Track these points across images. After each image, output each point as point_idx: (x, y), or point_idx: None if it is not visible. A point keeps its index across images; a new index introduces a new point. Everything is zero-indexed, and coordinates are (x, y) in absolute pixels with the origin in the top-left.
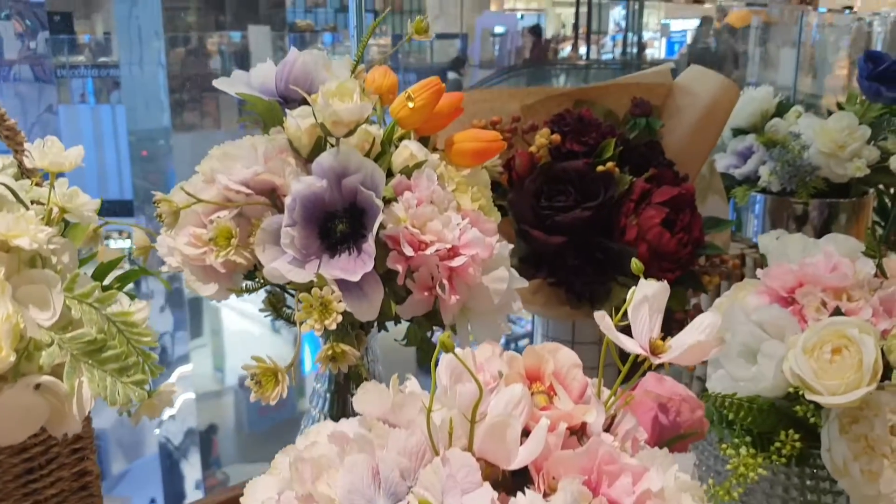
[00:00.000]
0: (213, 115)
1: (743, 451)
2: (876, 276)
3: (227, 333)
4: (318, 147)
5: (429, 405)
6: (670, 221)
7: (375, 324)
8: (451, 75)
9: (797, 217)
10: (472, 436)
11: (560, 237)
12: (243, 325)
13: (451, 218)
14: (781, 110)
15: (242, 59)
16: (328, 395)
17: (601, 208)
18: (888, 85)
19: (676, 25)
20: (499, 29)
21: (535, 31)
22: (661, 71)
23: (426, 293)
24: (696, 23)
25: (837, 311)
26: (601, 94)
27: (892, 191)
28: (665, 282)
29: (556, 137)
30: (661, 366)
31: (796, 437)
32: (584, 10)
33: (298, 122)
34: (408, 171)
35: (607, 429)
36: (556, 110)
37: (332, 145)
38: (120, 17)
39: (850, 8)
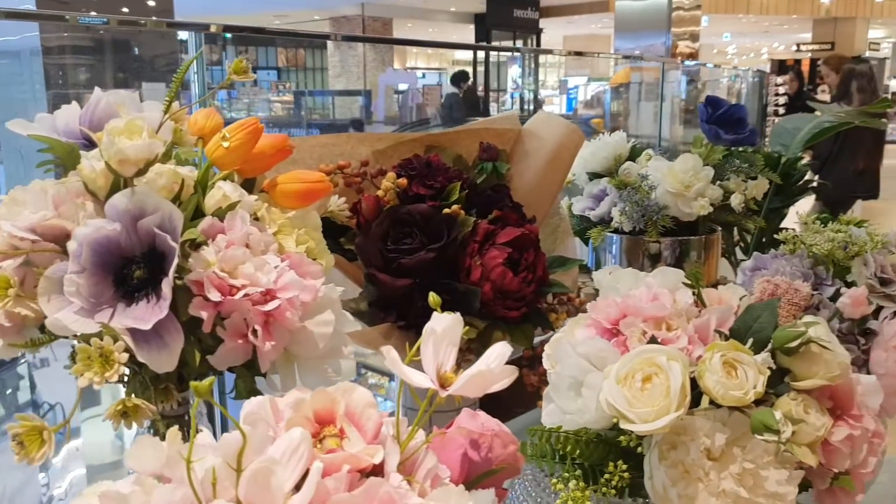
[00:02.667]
0: None
1: (572, 484)
2: (696, 305)
3: None
4: (116, 189)
5: (187, 456)
6: (514, 261)
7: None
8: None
9: (651, 255)
10: (238, 485)
11: (406, 279)
12: None
13: (266, 261)
14: (634, 154)
15: None
16: None
17: (446, 250)
18: (726, 128)
19: (574, 82)
20: (402, 86)
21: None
22: (510, 117)
23: (240, 340)
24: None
25: (654, 341)
26: (451, 140)
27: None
28: (458, 315)
29: (403, 181)
30: None
31: (624, 467)
32: (482, 68)
33: (93, 163)
34: (220, 213)
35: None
36: (407, 155)
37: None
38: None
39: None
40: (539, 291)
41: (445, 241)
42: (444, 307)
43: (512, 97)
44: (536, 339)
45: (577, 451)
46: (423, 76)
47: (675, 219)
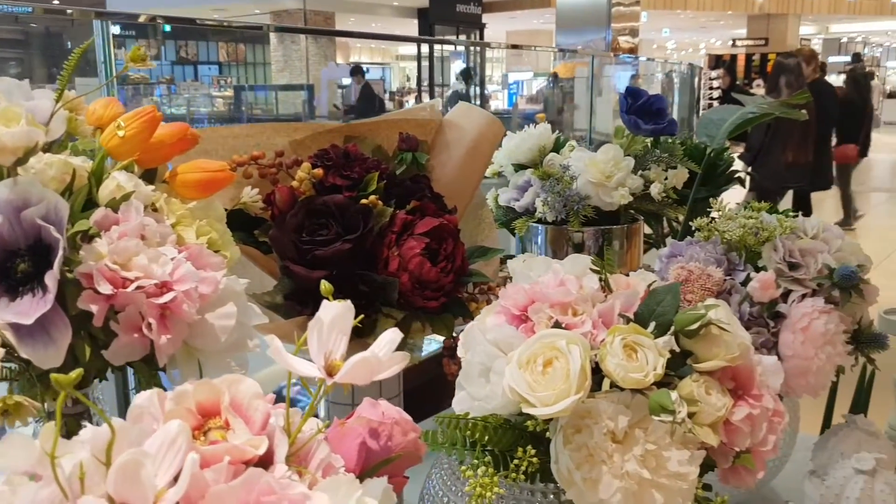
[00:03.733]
0: None
1: (481, 471)
2: (603, 291)
3: None
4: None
5: (51, 451)
6: (433, 251)
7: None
8: None
9: (575, 245)
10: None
11: (322, 271)
12: None
13: (161, 252)
14: (559, 146)
15: None
16: None
17: (362, 240)
18: (645, 119)
19: (515, 77)
20: (345, 80)
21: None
22: (431, 107)
23: (135, 334)
24: (525, 75)
25: (559, 326)
26: (371, 131)
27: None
28: (349, 303)
29: (319, 172)
30: None
31: (533, 452)
32: (426, 63)
33: None
34: (115, 205)
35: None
36: (326, 146)
37: None
38: None
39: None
40: (458, 281)
41: (361, 231)
42: (362, 298)
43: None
44: (458, 329)
45: (486, 438)
46: (367, 70)
47: (597, 209)
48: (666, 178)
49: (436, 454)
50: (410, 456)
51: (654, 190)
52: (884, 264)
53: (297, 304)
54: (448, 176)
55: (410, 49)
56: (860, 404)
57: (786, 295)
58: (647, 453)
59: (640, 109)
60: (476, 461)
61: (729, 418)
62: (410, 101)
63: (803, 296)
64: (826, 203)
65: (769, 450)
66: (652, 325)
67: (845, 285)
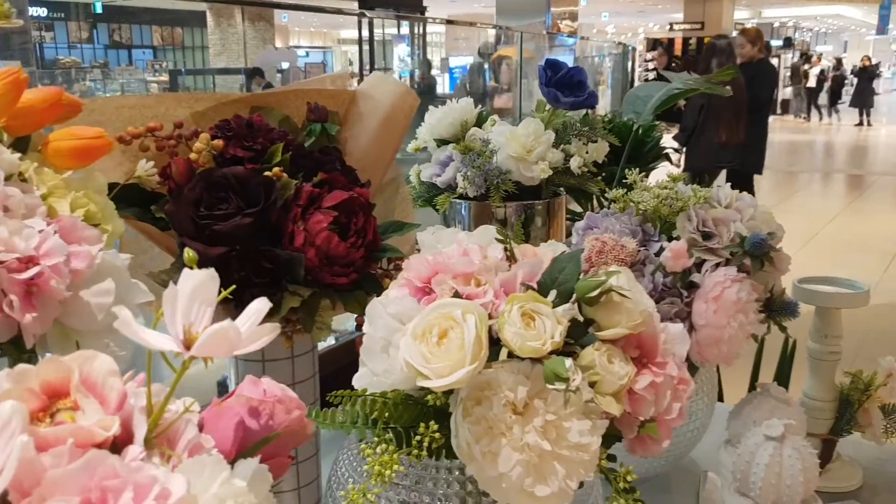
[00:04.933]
0: None
1: (381, 448)
2: (508, 261)
3: None
4: None
5: None
6: (343, 225)
7: None
8: None
9: (499, 220)
10: None
11: (221, 247)
12: None
13: (26, 225)
14: (481, 121)
15: None
16: None
17: (264, 214)
18: (564, 91)
19: (456, 62)
20: (284, 65)
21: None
22: (341, 77)
23: None
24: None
25: (458, 296)
26: (279, 101)
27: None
28: (212, 271)
29: (219, 143)
30: None
31: (436, 427)
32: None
33: None
34: None
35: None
36: (230, 117)
37: None
38: None
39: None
40: (370, 256)
41: (263, 205)
42: (267, 275)
43: (401, 76)
44: None
45: (387, 414)
46: (308, 55)
47: (518, 183)
48: (587, 152)
49: (346, 437)
50: (295, 435)
51: (574, 164)
52: (811, 242)
53: None
54: (361, 149)
55: (352, 33)
56: (783, 375)
57: (700, 265)
58: (547, 424)
59: (560, 82)
60: (377, 438)
61: (632, 387)
62: (354, 84)
63: (717, 265)
64: (762, 183)
65: (674, 418)
66: (553, 293)
67: (756, 253)
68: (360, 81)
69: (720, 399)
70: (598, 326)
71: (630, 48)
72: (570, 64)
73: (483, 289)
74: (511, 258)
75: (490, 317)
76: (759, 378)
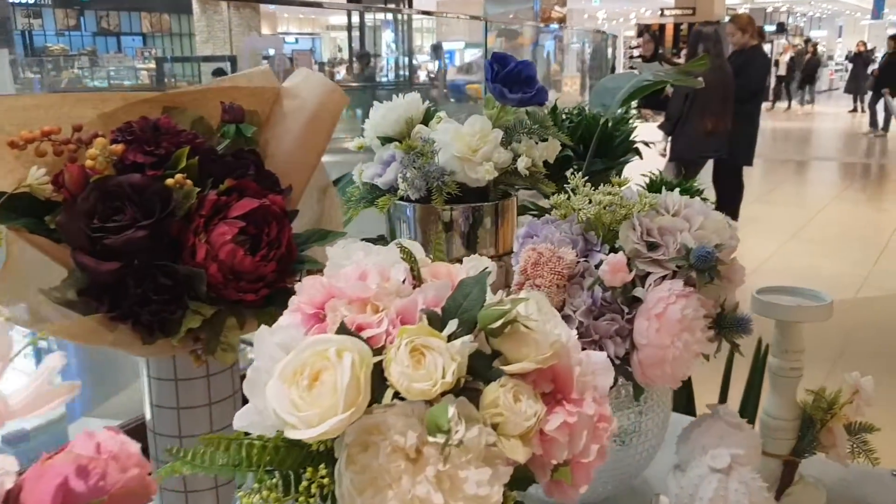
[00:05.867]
0: None
1: (258, 499)
2: (414, 282)
3: None
4: None
5: None
6: (256, 237)
7: None
8: None
9: (445, 224)
10: None
11: (113, 263)
12: None
13: None
14: (429, 118)
15: None
16: None
17: (160, 226)
18: (511, 87)
19: (447, 47)
20: (271, 51)
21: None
22: (265, 73)
23: None
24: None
25: (344, 328)
26: (195, 100)
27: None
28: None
29: (117, 148)
30: None
31: (324, 472)
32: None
33: None
34: None
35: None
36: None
37: None
38: None
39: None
40: (284, 270)
41: (157, 216)
42: (167, 292)
43: (388, 62)
44: None
45: (268, 458)
46: (297, 41)
47: (462, 185)
48: (536, 152)
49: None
50: (134, 495)
51: (521, 164)
52: (801, 233)
53: (93, 299)
54: (285, 151)
55: (341, 19)
56: (753, 389)
57: (645, 278)
58: (440, 474)
59: (508, 77)
60: (258, 484)
61: (543, 428)
62: (342, 71)
63: (662, 278)
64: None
65: (592, 460)
66: (454, 323)
67: (702, 267)
68: (349, 69)
69: (693, 413)
70: (504, 360)
71: (609, 36)
72: (552, 52)
73: (378, 317)
74: (417, 280)
75: (385, 350)
76: (731, 391)
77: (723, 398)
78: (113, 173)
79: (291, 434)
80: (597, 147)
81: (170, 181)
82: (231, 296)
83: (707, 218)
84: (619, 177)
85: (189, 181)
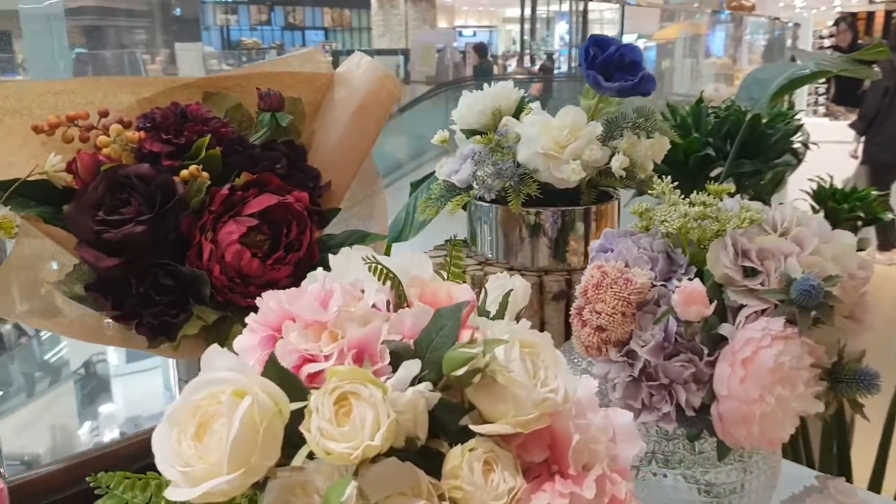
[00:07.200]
0: None
1: None
2: (399, 305)
3: None
4: None
5: None
6: (276, 237)
7: None
8: None
9: (531, 227)
10: None
11: (114, 259)
12: None
13: None
14: (521, 109)
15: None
16: None
17: (161, 222)
18: (616, 74)
19: (629, 38)
20: (440, 45)
21: (479, 49)
22: (312, 55)
23: None
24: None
25: (273, 361)
26: (239, 86)
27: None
28: None
29: (133, 135)
30: None
31: None
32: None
33: None
34: None
35: None
36: (188, 103)
37: None
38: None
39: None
40: (301, 275)
41: (157, 210)
42: (168, 293)
43: (562, 54)
44: None
45: None
46: (474, 34)
47: (548, 185)
48: (639, 150)
49: None
50: None
51: (615, 164)
52: None
53: (101, 295)
54: (331, 143)
55: (516, 12)
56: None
57: (738, 310)
58: None
59: (607, 63)
60: None
61: None
62: (512, 64)
63: (761, 313)
64: None
65: None
66: (414, 365)
67: (805, 304)
68: (520, 60)
69: (847, 472)
70: (480, 416)
71: (791, 24)
72: (722, 42)
73: (330, 349)
74: (401, 302)
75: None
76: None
77: (883, 452)
78: (133, 162)
79: (171, 494)
80: (743, 146)
81: (184, 173)
82: (238, 301)
83: (827, 241)
84: (780, 181)
85: (205, 173)
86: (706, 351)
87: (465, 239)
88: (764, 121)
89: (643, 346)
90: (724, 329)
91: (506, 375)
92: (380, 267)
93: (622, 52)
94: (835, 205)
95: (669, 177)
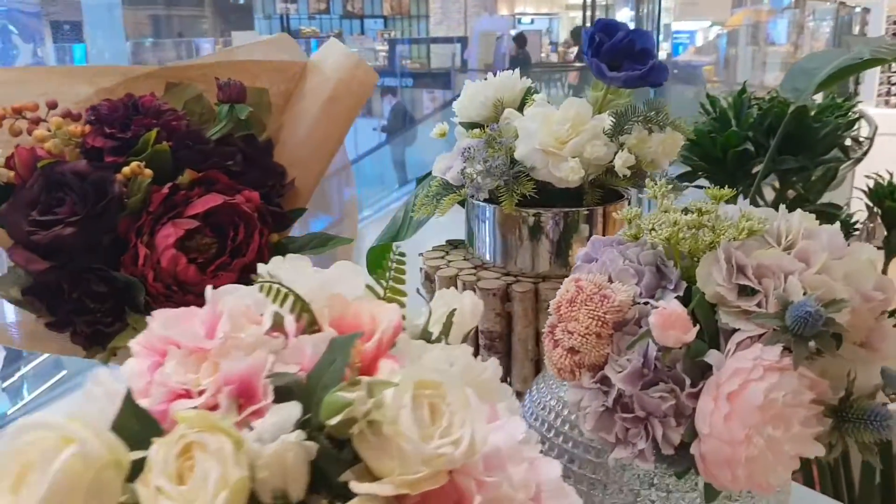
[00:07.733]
0: None
1: None
2: (306, 329)
3: None
4: None
5: None
6: (222, 241)
7: None
8: None
9: (531, 228)
10: None
11: (43, 263)
12: None
13: None
14: (526, 99)
15: None
16: None
17: (93, 224)
18: (623, 63)
19: (680, 27)
20: (499, 33)
21: (518, 39)
22: (282, 40)
23: None
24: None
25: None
26: (203, 76)
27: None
28: None
29: (75, 129)
30: None
31: None
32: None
33: None
34: None
35: None
36: (145, 94)
37: None
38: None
39: None
40: (245, 282)
41: (87, 211)
42: (102, 300)
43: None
44: None
45: None
46: (532, 22)
47: (545, 185)
48: (649, 146)
49: None
50: None
51: (619, 162)
52: None
53: (37, 299)
54: (299, 136)
55: None
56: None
57: (731, 334)
58: None
59: (614, 50)
60: None
61: None
62: (575, 51)
63: (760, 337)
64: None
65: None
66: (291, 409)
67: (801, 333)
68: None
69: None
70: (364, 471)
71: (859, 10)
72: (785, 30)
73: (208, 382)
74: (311, 326)
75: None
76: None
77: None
78: (77, 158)
79: None
80: (786, 141)
81: (125, 170)
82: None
83: (840, 256)
84: (833, 178)
85: (147, 171)
86: (689, 381)
87: (462, 241)
88: (812, 113)
89: (619, 373)
90: (711, 357)
91: (389, 426)
92: (273, 286)
93: (632, 39)
94: (893, 204)
95: (674, 177)
